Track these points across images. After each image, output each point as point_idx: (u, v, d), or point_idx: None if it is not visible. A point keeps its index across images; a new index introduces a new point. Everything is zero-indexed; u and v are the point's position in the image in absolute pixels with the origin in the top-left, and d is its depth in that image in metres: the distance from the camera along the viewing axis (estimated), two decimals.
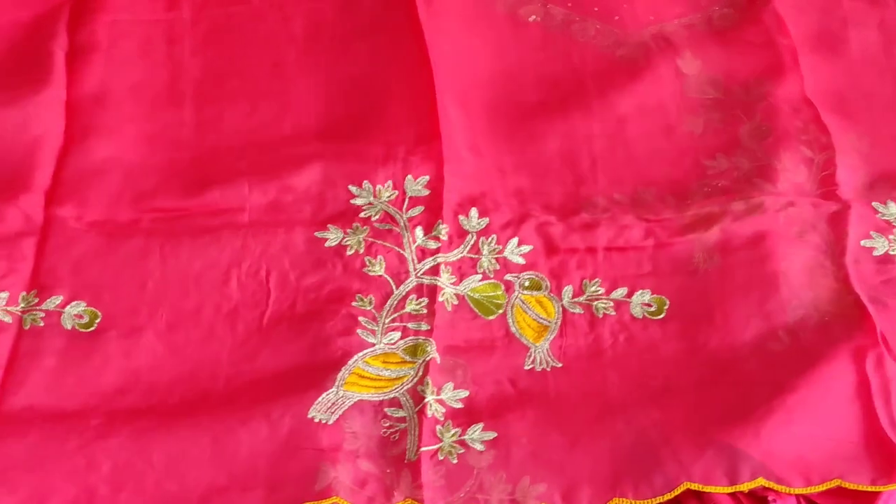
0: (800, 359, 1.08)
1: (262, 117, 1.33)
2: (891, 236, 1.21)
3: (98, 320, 1.14)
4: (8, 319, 1.11)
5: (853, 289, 1.14)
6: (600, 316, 1.17)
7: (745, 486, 1.01)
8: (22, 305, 1.13)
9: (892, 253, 1.21)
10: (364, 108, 1.31)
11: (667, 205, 1.22)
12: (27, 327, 1.12)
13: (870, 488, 1.02)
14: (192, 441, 1.06)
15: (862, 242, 1.21)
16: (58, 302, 1.14)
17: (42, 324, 1.13)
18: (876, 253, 1.20)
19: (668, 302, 1.18)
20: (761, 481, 1.00)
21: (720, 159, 1.25)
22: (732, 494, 1.02)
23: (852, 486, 1.02)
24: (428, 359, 1.10)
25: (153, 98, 1.33)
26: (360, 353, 1.11)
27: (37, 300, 1.14)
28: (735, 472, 1.00)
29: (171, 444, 1.06)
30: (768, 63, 1.35)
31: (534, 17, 1.38)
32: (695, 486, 1.01)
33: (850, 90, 1.35)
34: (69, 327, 1.13)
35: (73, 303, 1.14)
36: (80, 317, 1.13)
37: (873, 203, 1.24)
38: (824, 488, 1.02)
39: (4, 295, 1.13)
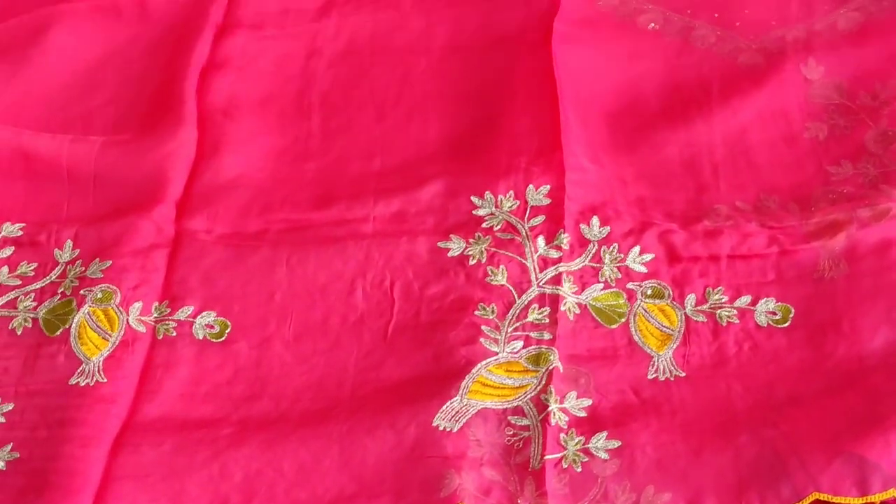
0: None
1: (388, 126, 1.36)
2: None
3: (228, 331, 1.17)
4: (142, 329, 1.15)
5: None
6: (724, 324, 1.16)
7: (877, 498, 0.98)
8: (155, 315, 1.17)
9: None
10: (488, 118, 1.33)
11: (790, 212, 1.21)
12: (160, 337, 1.16)
13: None
14: (321, 450, 1.09)
15: None
16: (189, 312, 1.18)
17: (174, 333, 1.16)
18: None
19: (793, 310, 1.16)
20: (893, 492, 0.97)
21: (845, 165, 1.23)
22: None
23: None
24: (551, 367, 1.10)
25: (281, 110, 1.37)
26: (484, 362, 1.11)
27: (169, 310, 1.18)
28: (865, 482, 0.97)
29: (301, 454, 1.08)
30: (894, 68, 1.34)
31: (653, 24, 1.39)
32: (824, 497, 0.99)
33: None
34: (200, 337, 1.16)
35: (204, 313, 1.17)
36: (211, 327, 1.17)
37: None
38: None
39: (138, 305, 1.16)
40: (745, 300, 1.17)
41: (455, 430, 1.06)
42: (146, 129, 1.38)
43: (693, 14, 1.41)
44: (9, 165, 1.35)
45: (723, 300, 1.18)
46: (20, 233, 1.29)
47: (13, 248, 1.28)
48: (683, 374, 1.13)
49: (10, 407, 1.14)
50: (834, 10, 1.39)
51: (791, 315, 1.16)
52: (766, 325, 1.16)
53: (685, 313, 1.17)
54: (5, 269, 1.25)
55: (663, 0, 1.43)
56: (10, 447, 1.10)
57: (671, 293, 1.19)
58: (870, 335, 1.10)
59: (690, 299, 1.18)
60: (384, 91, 1.40)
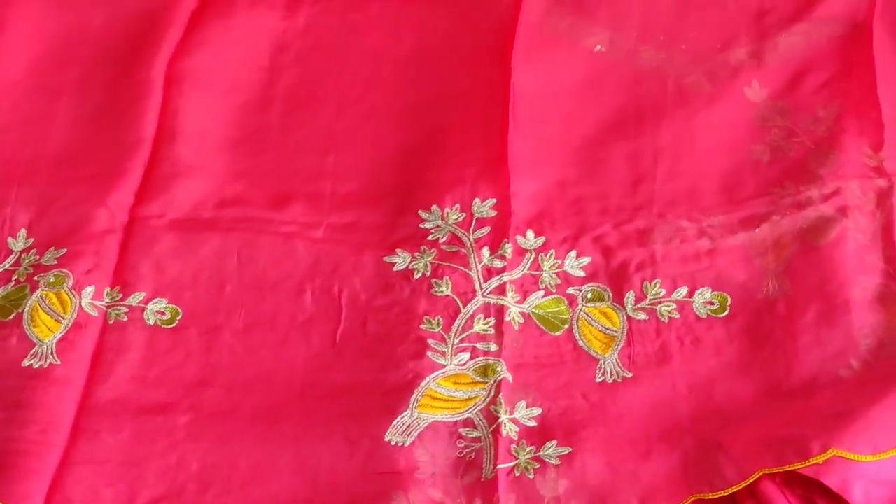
0: (872, 374, 1.12)
1: (346, 124, 1.38)
2: None
3: (179, 317, 1.20)
4: (94, 313, 1.17)
5: None
6: (665, 321, 1.21)
7: (819, 458, 1.02)
8: (106, 300, 1.19)
9: None
10: (441, 128, 1.36)
11: (719, 205, 1.28)
12: (111, 322, 1.18)
13: None
14: (276, 451, 1.12)
15: None
16: (140, 298, 1.20)
17: (125, 319, 1.19)
18: None
19: (729, 298, 1.22)
20: (833, 451, 1.02)
21: (788, 187, 1.29)
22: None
23: None
24: (499, 378, 1.14)
25: (245, 102, 1.39)
26: (432, 375, 1.15)
27: (120, 296, 1.20)
28: (806, 450, 1.03)
29: (256, 452, 1.12)
30: (837, 91, 1.38)
31: (599, 47, 1.42)
32: (768, 471, 1.04)
33: None
34: (151, 323, 1.19)
35: (156, 299, 1.20)
36: (162, 313, 1.19)
37: None
38: (891, 454, 1.05)
39: (90, 289, 1.18)
40: (682, 291, 1.22)
41: (407, 444, 1.10)
42: (111, 114, 1.39)
43: (639, 37, 1.44)
44: None
45: (661, 293, 1.23)
46: None
47: None
48: (630, 375, 1.17)
49: None
50: (777, 34, 1.43)
51: (728, 303, 1.21)
52: (705, 317, 1.21)
53: (626, 313, 1.22)
54: None
55: (609, 23, 1.45)
56: None
57: (611, 295, 1.23)
58: (803, 355, 1.15)
59: (629, 298, 1.22)
60: (348, 90, 1.41)
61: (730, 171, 1.32)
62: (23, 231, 1.28)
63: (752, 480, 1.05)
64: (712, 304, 1.22)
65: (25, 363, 1.15)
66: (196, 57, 1.42)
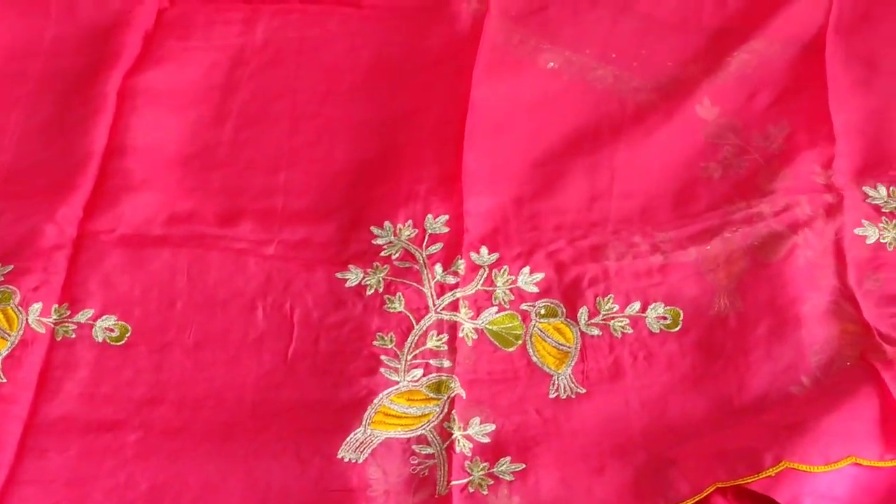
0: (823, 388, 1.16)
1: (299, 142, 1.41)
2: (880, 224, 1.33)
3: (128, 334, 1.21)
4: (41, 330, 1.18)
5: (871, 330, 1.21)
6: (619, 336, 1.24)
7: (772, 471, 1.06)
8: (54, 317, 1.20)
9: (882, 241, 1.31)
10: (394, 145, 1.39)
11: (671, 220, 1.31)
12: (59, 339, 1.19)
13: (880, 464, 1.09)
14: (227, 469, 1.13)
15: (855, 231, 1.31)
16: (89, 315, 1.21)
17: (74, 336, 1.19)
18: (868, 241, 1.31)
19: (682, 313, 1.26)
20: (785, 464, 1.05)
21: (738, 204, 1.33)
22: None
23: (865, 463, 1.08)
24: (452, 395, 1.16)
25: (199, 117, 1.41)
26: (385, 392, 1.17)
27: (69, 313, 1.21)
28: (759, 462, 1.06)
29: (207, 469, 1.13)
30: (788, 110, 1.42)
31: (552, 63, 1.46)
32: (721, 484, 1.07)
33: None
34: (100, 340, 1.19)
35: (105, 316, 1.20)
36: (111, 330, 1.20)
37: (864, 188, 1.35)
38: (843, 464, 1.07)
39: (38, 306, 1.19)
40: (635, 306, 1.25)
41: (360, 461, 1.11)
42: (61, 128, 1.40)
43: (591, 54, 1.48)
44: None
45: (614, 309, 1.25)
46: None
47: None
48: (584, 391, 1.20)
49: None
50: (728, 53, 1.47)
51: (681, 318, 1.25)
52: (658, 332, 1.25)
53: (580, 329, 1.24)
54: None
55: (562, 41, 1.49)
56: None
57: (564, 311, 1.25)
58: (754, 370, 1.19)
59: (583, 313, 1.24)
60: (303, 106, 1.43)
61: (682, 187, 1.35)
62: None
63: (705, 494, 1.07)
64: (665, 318, 1.25)
65: None
66: (151, 73, 1.44)
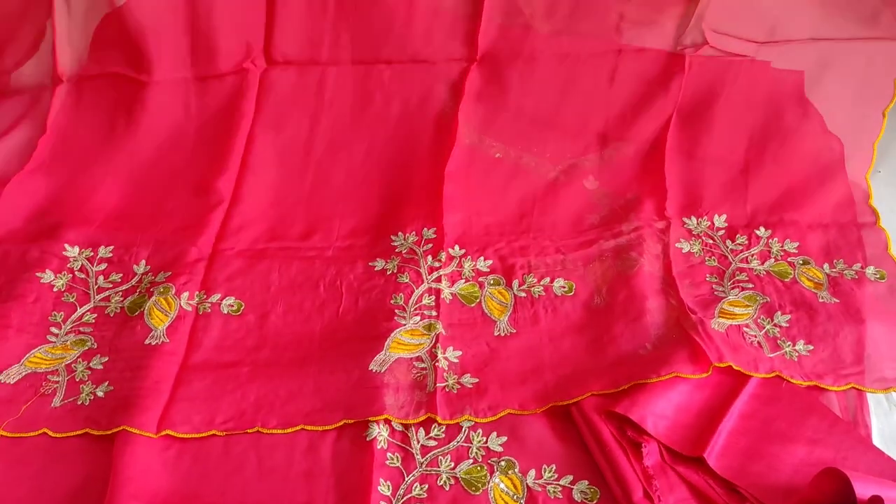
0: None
1: (352, 184, 1.80)
2: (690, 241, 1.75)
3: (243, 308, 1.60)
4: (189, 308, 1.58)
5: (688, 315, 1.54)
6: (536, 297, 1.63)
7: (625, 386, 1.40)
8: (196, 300, 1.60)
9: (691, 251, 1.73)
10: (405, 186, 1.80)
11: (569, 235, 1.75)
12: (200, 313, 1.58)
13: (691, 376, 1.42)
14: (301, 384, 1.47)
15: (676, 245, 1.72)
16: (218, 297, 1.61)
17: (210, 310, 1.59)
18: (684, 251, 1.72)
19: (574, 284, 1.65)
20: (633, 382, 1.40)
21: (609, 240, 1.73)
22: (620, 432, 1.36)
23: (683, 375, 1.42)
24: (437, 332, 1.53)
25: (286, 171, 1.81)
26: (398, 329, 1.53)
27: (206, 296, 1.61)
28: (617, 382, 1.42)
29: (290, 386, 1.46)
30: (638, 182, 1.83)
31: (498, 154, 1.86)
32: (597, 392, 1.42)
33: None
34: (225, 312, 1.59)
35: (228, 298, 1.61)
36: (232, 306, 1.60)
37: (683, 219, 1.78)
38: (669, 377, 1.40)
39: (186, 294, 1.59)
40: (546, 280, 1.65)
41: (383, 370, 1.47)
42: (203, 185, 1.77)
43: (522, 148, 1.86)
44: (104, 214, 1.76)
45: (534, 282, 1.66)
46: (111, 254, 1.69)
47: (106, 264, 1.68)
48: (514, 331, 1.57)
49: (106, 359, 1.51)
50: (604, 149, 1.86)
51: (574, 288, 1.65)
52: (560, 295, 1.63)
53: (513, 293, 1.64)
54: (101, 277, 1.65)
55: (504, 139, 1.86)
56: (106, 383, 1.47)
57: (504, 281, 1.67)
58: (617, 341, 1.53)
59: (515, 284, 1.65)
60: (356, 159, 1.83)
61: (575, 221, 1.79)
62: (143, 262, 1.67)
63: (585, 397, 1.43)
64: (564, 287, 1.66)
65: (146, 342, 1.51)
66: (259, 138, 1.81)
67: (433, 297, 1.62)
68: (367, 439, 1.36)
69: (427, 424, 1.41)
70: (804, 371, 1.51)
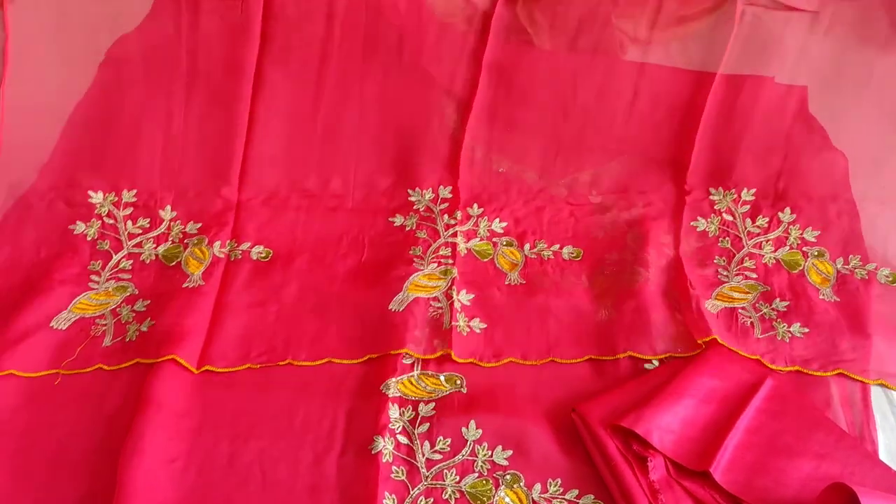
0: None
1: (363, 129, 1.78)
2: (710, 218, 1.77)
3: (271, 255, 1.68)
4: (221, 255, 1.66)
5: (687, 285, 1.61)
6: (545, 258, 1.71)
7: (622, 355, 1.50)
8: (228, 248, 1.68)
9: (707, 230, 1.76)
10: (423, 140, 1.80)
11: (584, 200, 1.80)
12: (232, 259, 1.67)
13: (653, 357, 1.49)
14: (327, 323, 1.57)
15: (691, 223, 1.76)
16: (247, 246, 1.68)
17: (241, 257, 1.67)
18: (698, 230, 1.76)
19: (582, 251, 1.72)
20: (629, 353, 1.50)
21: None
22: (626, 445, 1.33)
23: (680, 354, 1.49)
24: (453, 276, 1.63)
25: (297, 122, 1.77)
26: (416, 273, 1.63)
27: (237, 244, 1.69)
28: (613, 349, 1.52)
29: (316, 324, 1.56)
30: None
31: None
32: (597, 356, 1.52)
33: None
34: (255, 258, 1.68)
35: (257, 246, 1.69)
36: (261, 253, 1.68)
37: (710, 188, 1.80)
38: (664, 356, 1.49)
39: (218, 243, 1.67)
40: (556, 246, 1.73)
41: (401, 309, 1.56)
42: (218, 136, 1.75)
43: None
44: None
45: (545, 246, 1.72)
46: (135, 199, 1.73)
47: (131, 209, 1.72)
48: (524, 282, 1.67)
49: (148, 302, 1.59)
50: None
51: (581, 254, 1.72)
52: (568, 259, 1.70)
53: (524, 253, 1.72)
54: (129, 222, 1.71)
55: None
56: (149, 319, 1.55)
57: (517, 243, 1.73)
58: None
59: (527, 246, 1.72)
60: (369, 101, 1.78)
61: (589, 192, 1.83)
62: (168, 207, 1.71)
63: (582, 360, 1.52)
64: (573, 253, 1.73)
65: (184, 286, 1.60)
66: (267, 88, 1.73)
67: (449, 249, 1.71)
68: (373, 452, 1.36)
69: (432, 437, 1.41)
70: (791, 355, 1.56)
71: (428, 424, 1.41)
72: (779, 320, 1.62)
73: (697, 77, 1.77)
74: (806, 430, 1.38)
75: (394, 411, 1.41)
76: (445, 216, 1.76)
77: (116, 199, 1.74)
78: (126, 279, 1.66)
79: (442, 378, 1.49)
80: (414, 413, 1.43)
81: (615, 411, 1.37)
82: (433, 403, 1.44)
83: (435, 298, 1.62)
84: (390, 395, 1.43)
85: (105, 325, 1.56)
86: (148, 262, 1.68)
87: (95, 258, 1.68)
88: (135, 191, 1.75)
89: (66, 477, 1.32)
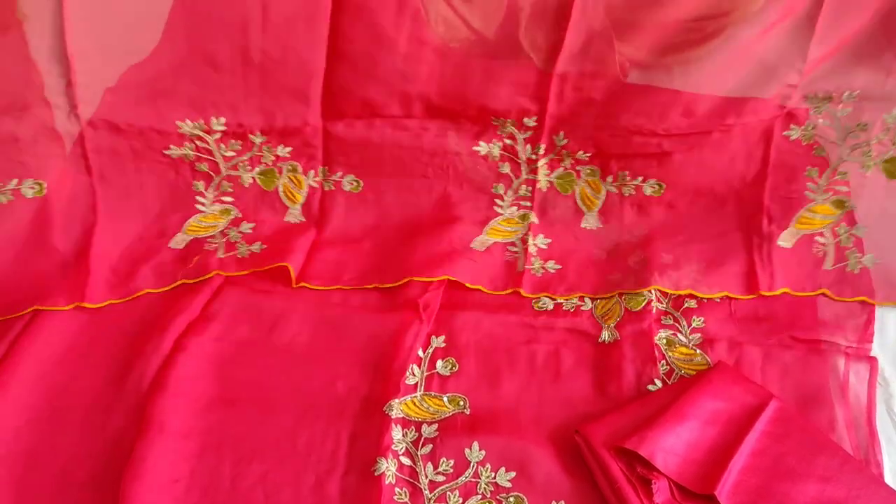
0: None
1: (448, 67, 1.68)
2: (805, 125, 1.64)
3: (361, 186, 1.75)
4: (315, 185, 1.74)
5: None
6: (626, 195, 1.71)
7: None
8: (321, 176, 1.74)
9: (801, 138, 1.65)
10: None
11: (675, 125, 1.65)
12: (326, 189, 1.75)
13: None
14: (412, 250, 1.66)
15: (784, 133, 1.64)
16: (339, 175, 1.75)
17: (333, 188, 1.75)
18: (791, 138, 1.65)
19: (664, 185, 1.70)
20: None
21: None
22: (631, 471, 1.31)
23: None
24: (530, 221, 1.68)
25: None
26: (496, 218, 1.71)
27: (329, 173, 1.74)
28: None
29: (403, 251, 1.66)
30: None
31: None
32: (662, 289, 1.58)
33: None
34: (347, 189, 1.75)
35: (348, 175, 1.75)
36: (352, 184, 1.75)
37: (807, 96, 1.63)
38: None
39: (311, 172, 1.73)
40: (638, 179, 1.70)
41: (482, 249, 1.67)
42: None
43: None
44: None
45: (628, 179, 1.70)
46: (224, 126, 1.69)
47: (220, 134, 1.70)
48: (601, 226, 1.71)
49: (253, 225, 1.72)
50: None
51: (663, 188, 1.70)
52: (649, 195, 1.70)
53: (605, 187, 1.72)
54: (222, 145, 1.70)
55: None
56: (259, 243, 1.69)
57: (600, 173, 1.72)
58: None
59: (609, 178, 1.71)
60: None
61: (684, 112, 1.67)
62: (258, 132, 1.69)
63: (649, 289, 1.58)
64: (654, 188, 1.71)
65: (285, 219, 1.72)
66: None
67: (529, 188, 1.75)
68: (376, 474, 1.35)
69: (435, 459, 1.40)
70: (856, 287, 1.58)
71: (431, 446, 1.41)
72: (853, 250, 1.62)
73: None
74: (810, 453, 1.36)
75: (397, 432, 1.41)
76: (528, 147, 1.74)
77: (206, 126, 1.70)
78: (228, 202, 1.76)
79: (445, 399, 1.48)
80: (417, 434, 1.43)
81: (618, 433, 1.36)
82: (436, 424, 1.44)
83: (511, 244, 1.71)
84: (393, 417, 1.42)
85: (216, 243, 1.70)
86: (247, 185, 1.75)
87: (197, 178, 1.75)
88: (223, 118, 1.70)
89: (70, 500, 1.34)
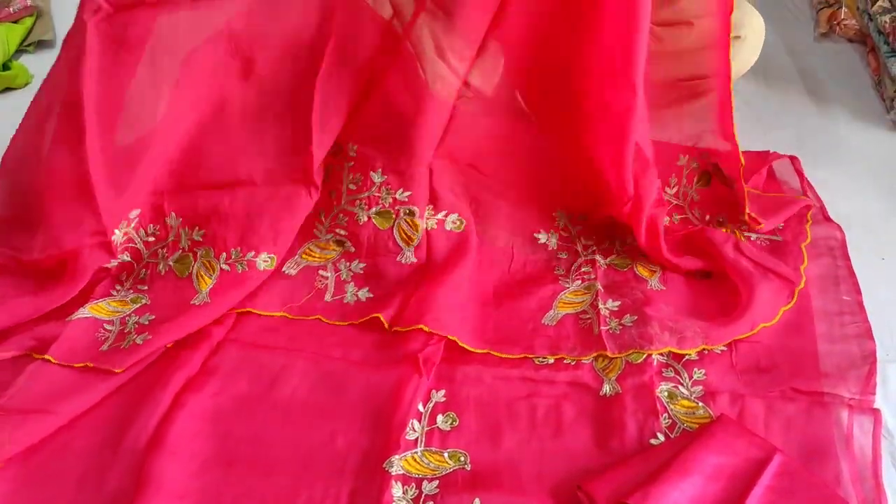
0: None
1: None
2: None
3: (464, 225, 1.88)
4: (427, 227, 1.85)
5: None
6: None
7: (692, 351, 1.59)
8: (427, 214, 1.85)
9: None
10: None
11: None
12: (429, 229, 1.85)
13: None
14: (486, 320, 1.75)
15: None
16: (443, 215, 1.87)
17: (436, 227, 1.84)
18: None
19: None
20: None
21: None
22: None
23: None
24: (597, 289, 1.74)
25: None
26: (563, 291, 1.78)
27: (434, 212, 1.86)
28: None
29: (476, 321, 1.75)
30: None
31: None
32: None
33: None
34: (448, 229, 1.85)
35: (452, 215, 1.87)
36: (455, 223, 1.85)
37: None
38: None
39: (416, 209, 1.84)
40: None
41: (553, 324, 1.71)
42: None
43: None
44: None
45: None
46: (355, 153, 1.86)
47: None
48: (664, 288, 1.79)
49: (364, 265, 1.86)
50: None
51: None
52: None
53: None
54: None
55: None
56: (367, 289, 1.82)
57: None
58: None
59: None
60: None
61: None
62: (379, 170, 1.86)
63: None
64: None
65: (398, 259, 1.85)
66: None
67: (590, 267, 1.84)
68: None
69: None
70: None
71: (431, 503, 1.42)
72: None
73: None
74: None
75: (397, 490, 1.41)
76: (582, 238, 1.90)
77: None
78: (342, 234, 1.87)
79: (446, 455, 1.48)
80: (417, 491, 1.42)
81: (621, 488, 1.34)
82: (437, 481, 1.45)
83: (583, 312, 1.74)
84: (393, 473, 1.42)
85: (327, 278, 1.81)
86: (361, 223, 1.86)
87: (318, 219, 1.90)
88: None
89: None
